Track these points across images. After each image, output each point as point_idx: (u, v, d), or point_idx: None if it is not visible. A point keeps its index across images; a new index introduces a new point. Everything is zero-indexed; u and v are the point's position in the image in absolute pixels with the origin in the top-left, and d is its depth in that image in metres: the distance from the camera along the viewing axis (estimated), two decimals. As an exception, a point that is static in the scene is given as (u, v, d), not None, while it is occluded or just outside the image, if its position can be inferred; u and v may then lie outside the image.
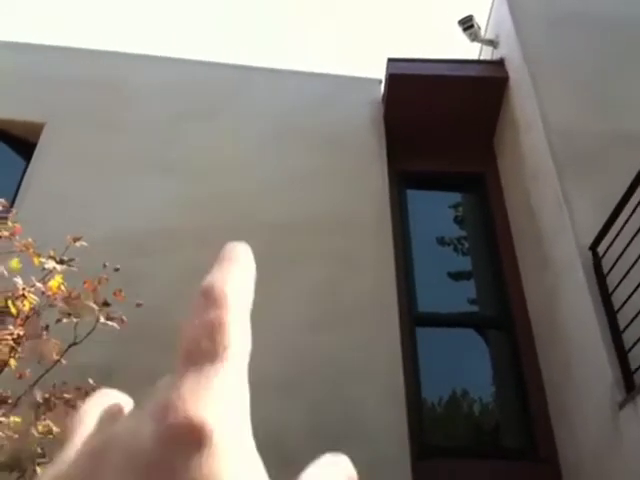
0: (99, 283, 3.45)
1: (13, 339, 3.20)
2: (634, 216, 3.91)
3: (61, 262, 3.44)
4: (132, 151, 5.84)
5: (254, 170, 5.75)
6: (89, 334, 3.36)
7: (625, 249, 3.97)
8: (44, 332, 3.41)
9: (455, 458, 4.70)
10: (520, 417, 4.95)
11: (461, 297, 5.68)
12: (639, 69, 5.48)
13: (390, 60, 6.22)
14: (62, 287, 3.41)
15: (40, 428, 3.18)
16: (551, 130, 5.14)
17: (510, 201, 5.91)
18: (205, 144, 5.93)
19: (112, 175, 5.62)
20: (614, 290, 4.09)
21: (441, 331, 5.39)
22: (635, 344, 3.79)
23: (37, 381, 3.32)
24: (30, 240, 3.51)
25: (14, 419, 3.02)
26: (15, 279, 3.31)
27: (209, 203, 5.44)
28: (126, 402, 0.39)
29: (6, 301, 3.27)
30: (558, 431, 4.64)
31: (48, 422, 3.21)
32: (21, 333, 3.25)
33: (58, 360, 3.38)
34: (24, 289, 3.29)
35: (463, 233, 6.19)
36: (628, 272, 3.92)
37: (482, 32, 6.75)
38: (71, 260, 3.45)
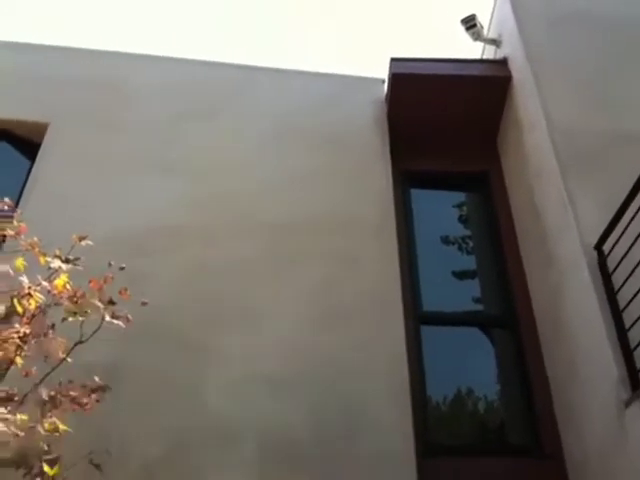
0: (105, 282, 3.47)
1: (19, 337, 3.22)
2: (639, 215, 3.91)
3: (66, 261, 3.45)
4: (135, 151, 5.85)
5: (256, 170, 5.75)
6: (95, 332, 3.39)
7: (630, 248, 3.96)
8: (50, 330, 3.43)
9: (460, 456, 4.70)
10: (525, 415, 4.95)
11: (466, 296, 5.67)
12: (642, 68, 5.49)
13: (393, 60, 6.22)
14: (68, 286, 3.42)
15: (46, 425, 3.20)
16: (554, 129, 5.14)
17: (514, 200, 5.91)
18: (207, 144, 5.93)
19: (116, 175, 5.63)
20: (619, 289, 4.08)
21: (446, 330, 5.38)
22: (640, 342, 3.79)
23: (43, 379, 3.34)
24: (35, 239, 3.53)
25: (20, 416, 3.04)
26: (21, 278, 3.33)
27: (212, 202, 5.45)
28: None
29: (12, 300, 3.28)
30: (563, 429, 4.64)
31: (54, 419, 3.22)
32: (27, 331, 3.27)
33: (64, 358, 3.40)
34: (30, 288, 3.31)
35: (467, 232, 6.19)
36: (633, 271, 3.91)
37: (485, 31, 6.75)
38: (76, 259, 3.47)
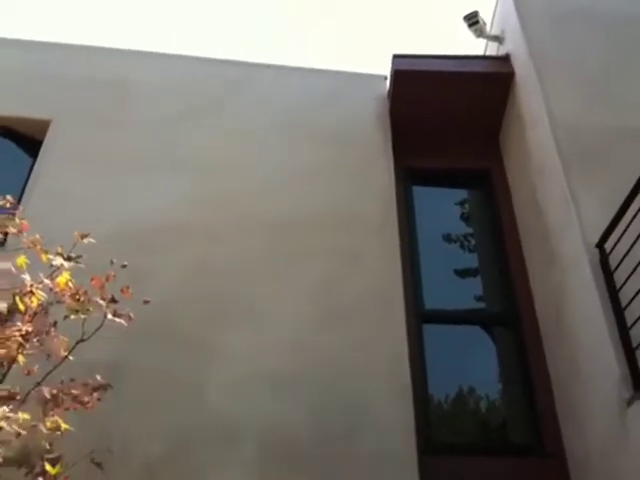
0: (107, 280, 3.46)
1: (21, 335, 3.22)
2: (641, 213, 3.90)
3: (68, 259, 3.45)
4: (137, 148, 5.84)
5: (259, 167, 5.75)
6: (97, 331, 3.38)
7: (632, 246, 3.96)
8: (52, 329, 3.43)
9: (462, 454, 4.70)
10: (527, 413, 4.94)
11: (468, 294, 5.67)
12: (645, 65, 5.47)
13: (395, 56, 6.21)
14: (70, 284, 3.42)
15: (48, 424, 3.20)
16: (557, 126, 5.13)
17: (516, 197, 5.90)
18: (210, 141, 5.93)
19: (118, 172, 5.63)
20: (621, 287, 4.07)
21: (448, 328, 5.38)
22: (643, 341, 3.78)
23: (45, 377, 3.34)
24: (37, 237, 3.52)
25: (22, 415, 3.03)
26: (23, 276, 3.33)
27: (215, 200, 5.45)
28: None
29: (14, 297, 3.28)
30: (565, 428, 4.64)
31: (56, 418, 3.22)
32: (29, 329, 3.27)
33: (66, 357, 3.40)
34: (32, 286, 3.31)
35: (469, 230, 6.18)
36: (635, 269, 3.91)
37: (487, 28, 6.73)
38: (78, 257, 3.46)
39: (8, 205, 3.68)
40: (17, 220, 3.63)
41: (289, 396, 4.40)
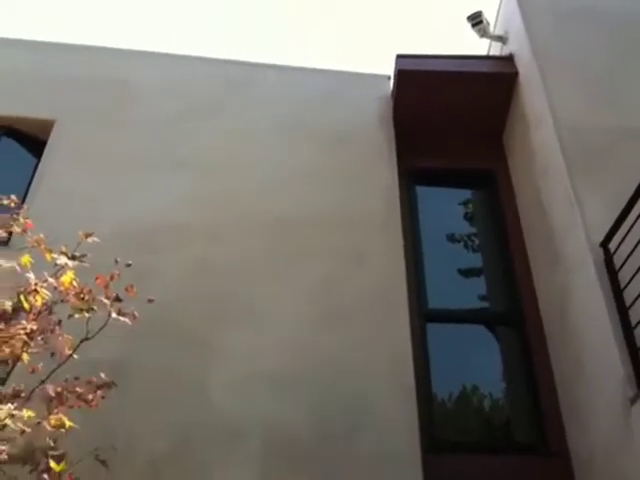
0: (111, 279, 3.47)
1: (26, 334, 3.22)
2: (646, 212, 3.90)
3: (73, 258, 3.45)
4: (142, 148, 5.86)
5: (261, 167, 5.75)
6: (101, 329, 3.38)
7: (636, 246, 3.95)
8: (56, 327, 3.43)
9: (465, 453, 4.70)
10: (531, 412, 4.94)
11: (471, 293, 5.66)
12: (649, 65, 5.47)
13: (399, 56, 6.21)
14: (74, 282, 3.42)
15: (53, 422, 3.21)
16: (561, 126, 5.12)
17: (520, 197, 5.89)
18: (213, 141, 5.94)
19: (122, 172, 5.64)
20: (625, 287, 4.07)
21: (451, 327, 5.37)
22: (646, 340, 3.78)
23: (49, 375, 3.34)
24: (42, 236, 3.53)
25: (27, 413, 3.04)
26: (27, 274, 3.33)
27: (217, 199, 5.46)
28: None
29: (19, 296, 3.29)
30: (569, 427, 4.63)
31: (60, 416, 3.23)
32: (34, 328, 3.28)
33: (70, 355, 3.40)
34: (36, 284, 3.31)
35: (473, 230, 6.18)
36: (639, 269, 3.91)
37: (491, 28, 6.73)
38: (83, 256, 3.46)
39: (12, 205, 3.69)
40: (21, 219, 3.64)
41: (292, 395, 4.41)
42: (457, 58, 6.44)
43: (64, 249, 3.46)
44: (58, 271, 3.42)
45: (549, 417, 4.78)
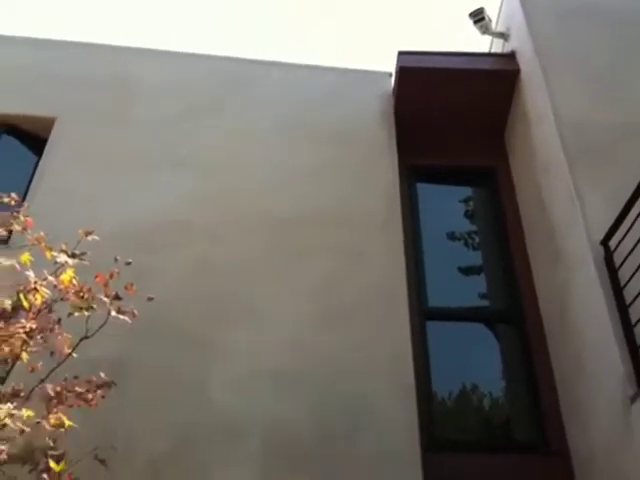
0: (111, 277, 3.46)
1: (25, 332, 3.22)
2: (646, 210, 3.89)
3: (73, 256, 3.45)
4: (142, 146, 5.85)
5: (263, 165, 5.74)
6: (101, 327, 3.38)
7: (637, 244, 3.94)
8: (56, 326, 3.43)
9: (465, 452, 4.70)
10: (531, 411, 4.93)
11: (471, 291, 5.65)
12: (650, 62, 5.45)
13: (400, 53, 6.19)
14: (74, 281, 3.42)
15: (52, 421, 3.21)
16: (562, 123, 5.11)
17: (521, 195, 5.88)
18: (214, 139, 5.93)
19: (122, 170, 5.64)
20: (626, 284, 4.06)
21: (451, 325, 5.37)
22: (647, 338, 3.77)
23: (49, 374, 3.34)
24: (42, 234, 3.52)
25: (26, 412, 3.04)
26: (27, 273, 3.33)
27: (219, 198, 5.45)
28: None
29: (18, 295, 3.28)
30: (569, 425, 4.63)
31: (60, 415, 3.23)
32: (33, 327, 3.27)
33: (70, 354, 3.40)
34: (36, 283, 3.30)
35: (474, 227, 6.16)
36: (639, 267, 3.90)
37: (493, 25, 6.71)
38: (83, 254, 3.46)
39: (13, 202, 3.68)
40: (22, 217, 3.63)
41: (293, 394, 4.40)
42: (459, 55, 6.43)
43: (64, 247, 3.45)
44: (58, 269, 3.41)
45: (549, 415, 4.77)
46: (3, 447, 3.03)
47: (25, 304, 3.29)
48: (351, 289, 4.93)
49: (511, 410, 5.18)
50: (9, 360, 3.26)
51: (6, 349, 3.22)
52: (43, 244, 3.48)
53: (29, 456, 3.18)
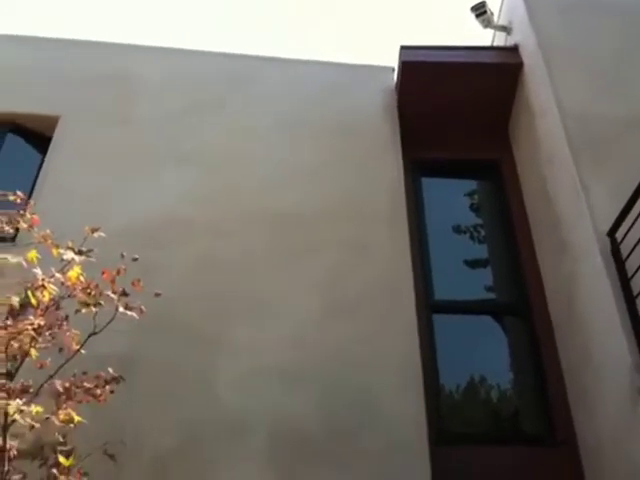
0: (118, 273, 3.47)
1: (34, 329, 3.22)
2: (652, 201, 3.88)
3: (79, 253, 3.45)
4: (146, 143, 5.85)
5: (267, 160, 5.74)
6: (108, 324, 3.39)
7: (643, 234, 3.94)
8: (64, 322, 3.44)
9: (473, 444, 4.70)
10: (538, 402, 4.94)
11: (478, 284, 5.65)
12: (654, 54, 5.43)
13: (403, 47, 6.19)
14: (81, 277, 3.43)
15: (61, 417, 3.21)
16: (566, 114, 5.10)
17: (526, 187, 5.87)
18: (218, 136, 5.93)
19: (126, 168, 5.65)
20: (633, 275, 4.06)
21: (458, 318, 5.37)
22: (654, 329, 3.77)
23: (57, 370, 3.35)
24: (48, 231, 3.53)
25: (35, 408, 3.05)
26: (34, 270, 3.34)
27: (223, 194, 5.45)
28: None
29: (26, 292, 3.29)
30: (577, 416, 4.63)
31: (69, 411, 3.24)
32: (41, 323, 3.28)
33: (78, 350, 3.40)
34: (43, 280, 3.31)
35: (479, 220, 6.16)
36: (646, 257, 3.90)
37: (495, 18, 6.70)
38: (89, 251, 3.47)
39: (19, 201, 3.69)
40: (28, 215, 3.64)
41: (300, 389, 4.41)
42: (461, 49, 6.42)
43: (70, 244, 3.46)
44: (65, 266, 3.42)
45: (556, 407, 4.77)
46: (13, 443, 3.05)
47: (33, 301, 3.30)
48: (356, 284, 4.93)
49: (519, 402, 5.18)
50: (18, 357, 3.26)
51: (15, 346, 3.22)
52: (50, 241, 3.49)
53: (39, 451, 3.19)
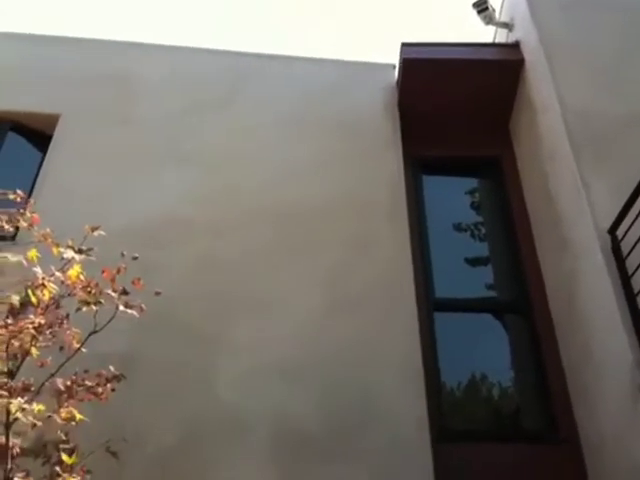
0: (118, 272, 3.47)
1: (34, 328, 3.23)
2: (653, 198, 3.88)
3: (80, 252, 3.45)
4: (147, 142, 5.85)
5: (267, 159, 5.74)
6: (109, 322, 3.38)
7: (644, 232, 3.94)
8: (64, 321, 3.44)
9: (475, 441, 4.70)
10: (540, 400, 4.94)
11: (479, 282, 5.65)
12: (655, 51, 5.42)
13: (404, 45, 6.18)
14: (81, 276, 3.43)
15: (63, 415, 3.22)
16: (567, 111, 5.10)
17: (527, 184, 5.87)
18: (218, 134, 5.92)
19: (127, 166, 5.64)
20: (633, 273, 4.06)
21: (459, 316, 5.36)
22: (655, 326, 3.77)
23: (59, 369, 3.35)
24: (48, 230, 3.53)
25: (37, 406, 3.06)
26: (35, 269, 3.34)
27: (224, 193, 5.45)
28: None
29: (27, 291, 3.30)
30: (578, 413, 4.63)
31: (70, 409, 3.25)
32: (42, 322, 3.28)
33: (79, 348, 3.40)
34: (44, 278, 3.31)
35: (480, 218, 6.15)
36: (647, 255, 3.89)
37: (497, 15, 6.69)
38: (89, 249, 3.47)
39: (19, 199, 3.69)
40: (28, 214, 3.64)
41: (300, 388, 4.41)
42: (463, 45, 6.42)
43: (70, 243, 3.46)
44: (65, 265, 3.42)
45: (558, 404, 4.77)
46: (16, 441, 3.06)
47: (33, 300, 3.30)
48: (357, 282, 4.93)
49: (520, 399, 5.18)
50: (19, 355, 3.27)
51: (16, 344, 3.23)
52: (50, 240, 3.49)
53: (41, 449, 3.20)
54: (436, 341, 5.03)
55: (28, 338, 3.25)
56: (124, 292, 3.44)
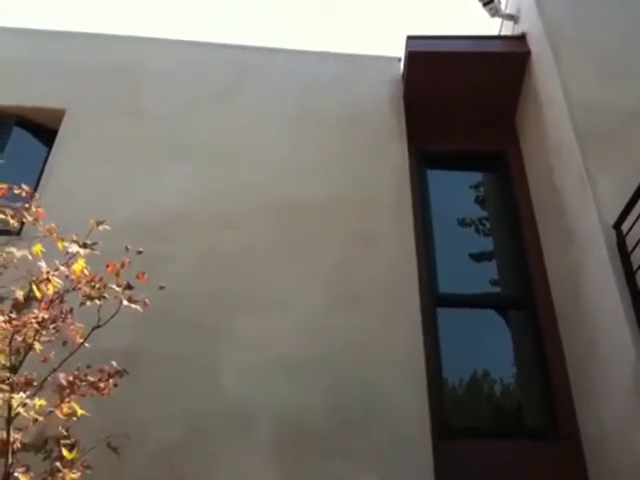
0: (122, 267, 3.47)
1: (38, 322, 3.24)
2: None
3: (84, 246, 3.46)
4: (153, 136, 5.85)
5: (273, 152, 5.73)
6: (112, 317, 3.39)
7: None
8: (68, 316, 3.45)
9: (476, 438, 4.70)
10: (542, 396, 4.92)
11: (482, 277, 5.62)
12: (661, 44, 5.37)
13: (410, 37, 6.14)
14: (85, 271, 3.43)
15: (65, 410, 3.23)
16: (573, 104, 5.06)
17: (532, 178, 5.83)
18: (223, 128, 5.92)
19: (133, 160, 5.65)
20: (638, 269, 4.04)
21: (462, 312, 5.35)
22: (659, 322, 3.75)
23: (61, 364, 3.36)
24: (53, 225, 3.54)
25: (39, 401, 3.07)
26: (39, 263, 3.35)
27: (228, 187, 5.45)
28: None
29: (31, 285, 3.31)
30: (581, 409, 4.62)
31: (72, 404, 3.26)
32: (45, 317, 3.29)
33: (82, 343, 3.41)
34: (48, 273, 3.32)
35: (484, 213, 6.13)
36: (652, 250, 3.87)
37: (502, 7, 6.64)
38: (94, 244, 3.47)
39: (24, 194, 3.70)
40: (33, 209, 3.65)
41: (304, 381, 4.41)
42: (468, 38, 6.38)
43: (75, 238, 3.47)
44: (69, 259, 3.43)
45: (560, 401, 4.76)
46: (17, 436, 3.07)
47: (37, 294, 3.31)
48: (361, 276, 4.93)
49: (522, 396, 5.17)
50: (22, 350, 3.28)
51: (19, 339, 3.24)
52: (55, 235, 3.50)
53: (42, 445, 3.20)
54: (439, 337, 5.02)
55: (31, 333, 3.26)
56: (128, 287, 3.44)
